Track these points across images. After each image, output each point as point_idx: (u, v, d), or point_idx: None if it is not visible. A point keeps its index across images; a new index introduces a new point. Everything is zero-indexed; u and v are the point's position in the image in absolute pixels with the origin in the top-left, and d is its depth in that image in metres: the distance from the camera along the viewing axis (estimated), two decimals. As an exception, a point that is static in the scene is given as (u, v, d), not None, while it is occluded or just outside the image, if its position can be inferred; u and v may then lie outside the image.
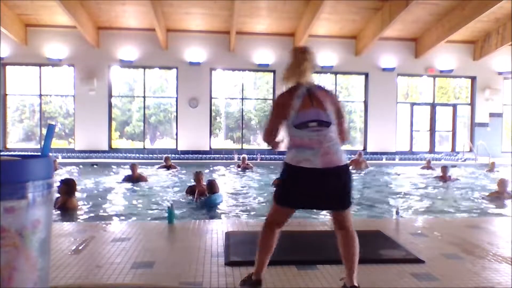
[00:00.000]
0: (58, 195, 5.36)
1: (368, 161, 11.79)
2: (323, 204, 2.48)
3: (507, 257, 3.15)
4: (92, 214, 5.43)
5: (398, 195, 7.57)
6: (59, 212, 5.23)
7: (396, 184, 9.10)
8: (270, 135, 2.50)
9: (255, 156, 13.19)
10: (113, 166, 11.21)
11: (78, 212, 5.51)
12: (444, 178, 8.87)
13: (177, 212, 4.92)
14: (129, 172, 8.45)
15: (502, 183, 6.85)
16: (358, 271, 2.43)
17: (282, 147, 2.53)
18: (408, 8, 11.11)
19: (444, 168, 9.07)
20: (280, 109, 2.42)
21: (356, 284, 2.39)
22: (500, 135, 15.28)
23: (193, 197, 6.43)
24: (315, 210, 4.52)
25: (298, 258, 3.03)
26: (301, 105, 2.36)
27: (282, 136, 2.51)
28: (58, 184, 5.32)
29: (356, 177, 9.94)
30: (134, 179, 8.14)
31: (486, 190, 7.70)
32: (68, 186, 5.32)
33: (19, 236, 0.75)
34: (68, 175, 8.71)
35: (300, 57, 2.49)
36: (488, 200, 6.79)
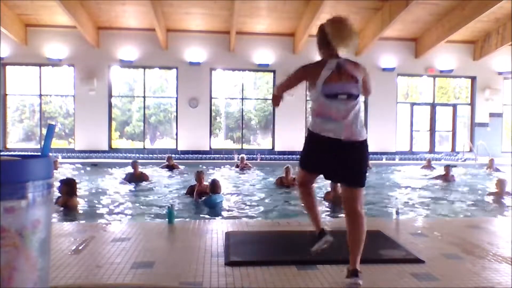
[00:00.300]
0: (59, 195, 5.38)
1: (370, 161, 11.77)
2: (337, 175, 2.58)
3: (507, 257, 3.15)
4: (92, 214, 5.43)
5: (398, 195, 7.57)
6: (61, 211, 5.24)
7: (396, 184, 9.10)
8: (285, 88, 2.69)
9: (255, 156, 13.19)
10: (113, 166, 11.20)
11: (80, 212, 5.52)
12: (447, 177, 8.84)
13: (177, 212, 4.93)
14: (130, 170, 8.43)
15: (500, 183, 6.84)
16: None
17: (280, 104, 2.82)
18: (408, 8, 11.11)
19: (448, 168, 9.03)
20: (307, 73, 2.55)
21: (358, 268, 2.46)
22: (500, 135, 15.28)
23: (193, 197, 6.44)
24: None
25: (298, 258, 3.03)
26: (329, 77, 2.44)
27: (286, 96, 2.76)
28: (59, 184, 5.33)
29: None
30: (136, 176, 8.10)
31: (486, 190, 7.70)
32: (68, 186, 5.32)
33: (19, 236, 0.75)
34: (69, 175, 8.71)
35: (342, 29, 2.50)
36: (487, 201, 6.79)
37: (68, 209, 5.30)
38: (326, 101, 2.43)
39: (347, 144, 2.41)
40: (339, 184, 5.89)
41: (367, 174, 2.59)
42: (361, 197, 2.53)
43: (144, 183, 8.05)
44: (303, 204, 2.78)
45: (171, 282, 2.58)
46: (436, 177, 9.22)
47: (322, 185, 7.29)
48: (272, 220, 4.58)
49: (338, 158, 2.45)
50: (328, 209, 5.92)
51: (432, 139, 15.54)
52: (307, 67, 2.56)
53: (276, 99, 2.78)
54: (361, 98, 2.61)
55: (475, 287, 2.57)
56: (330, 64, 2.47)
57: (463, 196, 7.37)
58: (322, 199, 6.19)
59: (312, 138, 2.52)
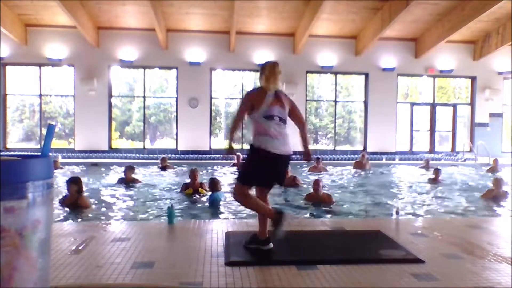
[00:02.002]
0: (64, 194, 5.53)
1: (369, 163, 11.74)
2: (272, 182, 3.26)
3: (507, 257, 3.15)
4: (92, 214, 5.43)
5: (398, 195, 7.57)
6: (69, 210, 5.33)
7: (396, 184, 9.09)
8: (239, 121, 3.26)
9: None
10: (113, 166, 11.20)
11: (92, 208, 5.64)
12: (436, 180, 8.73)
13: (177, 212, 4.93)
14: (122, 175, 8.38)
15: (497, 182, 6.83)
16: (358, 271, 2.54)
17: (234, 152, 3.67)
18: (408, 8, 11.11)
19: (437, 171, 8.94)
20: (253, 100, 3.18)
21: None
22: (500, 135, 15.29)
23: (189, 195, 6.51)
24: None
25: (298, 258, 3.03)
26: (271, 102, 3.16)
27: (238, 135, 3.19)
28: (66, 185, 5.46)
29: (358, 178, 9.94)
30: (127, 181, 8.10)
31: (484, 190, 7.68)
32: (77, 184, 5.43)
33: (19, 236, 0.75)
34: (68, 175, 8.70)
35: (276, 71, 3.29)
36: (484, 200, 6.78)
37: (79, 207, 5.40)
38: (266, 121, 3.10)
39: (283, 158, 3.15)
40: (320, 186, 6.15)
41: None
42: None
43: (142, 184, 8.03)
44: (253, 209, 3.22)
45: (171, 282, 2.58)
46: (428, 180, 9.07)
47: (304, 188, 7.36)
48: (272, 220, 4.57)
49: (277, 169, 3.19)
50: (310, 207, 6.02)
51: (432, 139, 15.54)
52: (251, 93, 3.32)
53: (230, 150, 3.38)
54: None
55: (475, 287, 2.57)
56: (270, 92, 3.19)
57: (462, 196, 7.37)
58: (304, 198, 6.38)
59: (259, 154, 3.07)
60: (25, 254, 0.76)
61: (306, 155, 3.43)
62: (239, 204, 3.33)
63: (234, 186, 3.25)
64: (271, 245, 3.18)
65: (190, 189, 6.66)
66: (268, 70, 3.30)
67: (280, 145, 3.09)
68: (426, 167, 11.28)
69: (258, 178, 3.15)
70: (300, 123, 3.38)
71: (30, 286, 0.77)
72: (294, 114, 3.32)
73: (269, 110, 3.11)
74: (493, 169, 11.17)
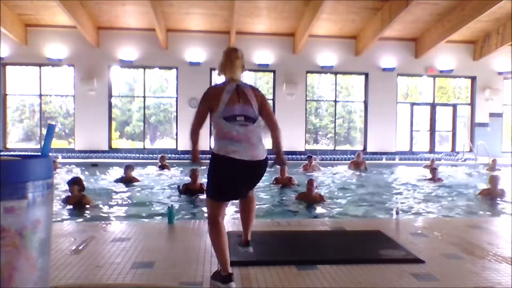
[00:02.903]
0: (67, 195, 5.57)
1: (368, 161, 11.73)
2: (243, 192, 2.69)
3: (507, 257, 3.15)
4: (92, 214, 5.43)
5: (398, 195, 7.56)
6: (74, 209, 5.39)
7: (396, 184, 9.09)
8: (198, 125, 2.63)
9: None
10: (113, 166, 11.20)
11: (95, 206, 5.69)
12: (433, 179, 8.75)
13: (177, 212, 4.93)
14: (123, 174, 8.40)
15: (493, 180, 6.84)
16: (358, 271, 2.54)
17: (197, 153, 2.68)
18: (408, 8, 11.11)
19: (434, 170, 8.97)
20: (210, 100, 2.58)
21: (249, 239, 2.84)
22: (500, 135, 15.28)
23: (186, 194, 6.51)
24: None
25: (298, 258, 3.03)
26: (229, 99, 2.53)
27: (200, 138, 2.65)
28: (68, 187, 5.51)
29: (358, 178, 9.94)
30: (127, 180, 8.11)
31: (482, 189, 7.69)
32: (78, 185, 5.47)
33: (19, 236, 0.75)
34: (68, 175, 8.71)
35: (232, 56, 2.72)
36: (480, 199, 6.78)
37: (83, 206, 5.45)
38: (226, 123, 2.50)
39: (251, 164, 2.50)
40: (314, 186, 6.12)
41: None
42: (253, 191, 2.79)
43: (143, 184, 8.05)
44: (214, 245, 2.52)
45: (171, 282, 2.58)
46: (426, 180, 9.10)
47: (299, 188, 7.37)
48: (272, 220, 4.58)
49: (245, 177, 2.55)
50: (302, 208, 6.02)
51: (432, 139, 15.53)
52: (208, 93, 2.64)
53: (194, 154, 2.69)
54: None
55: (475, 287, 2.57)
56: (229, 87, 2.58)
57: (461, 196, 7.36)
58: (295, 198, 6.40)
59: (219, 162, 2.50)
60: (25, 254, 0.76)
61: (277, 160, 2.75)
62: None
63: (206, 204, 2.65)
64: (233, 284, 2.47)
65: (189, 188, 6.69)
66: (224, 57, 2.78)
67: (247, 150, 2.48)
68: (431, 167, 11.24)
69: (228, 192, 2.55)
70: (271, 123, 2.68)
71: (30, 286, 0.77)
72: (264, 112, 2.64)
73: (228, 110, 2.51)
74: (491, 168, 11.19)
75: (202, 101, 2.63)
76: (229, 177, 2.51)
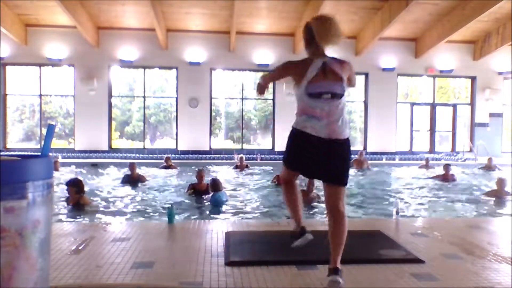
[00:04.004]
0: (67, 196, 5.58)
1: (368, 161, 11.76)
2: (318, 173, 2.56)
3: (507, 257, 3.15)
4: (92, 214, 5.44)
5: (398, 195, 7.56)
6: (74, 209, 5.40)
7: (396, 184, 9.09)
8: (271, 79, 2.81)
9: (254, 156, 13.19)
10: (113, 166, 11.20)
11: (94, 205, 5.74)
12: (446, 176, 8.82)
13: (177, 212, 4.93)
14: (128, 172, 8.43)
15: (500, 182, 6.87)
16: (358, 271, 2.51)
17: (265, 94, 2.81)
18: (408, 8, 11.11)
19: (447, 167, 9.01)
20: (292, 71, 2.56)
21: (339, 266, 2.45)
22: (500, 135, 15.29)
23: (194, 195, 6.50)
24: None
25: (298, 258, 3.03)
26: (315, 76, 2.44)
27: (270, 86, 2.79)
28: (66, 188, 5.53)
29: (357, 177, 9.93)
30: (134, 178, 8.12)
31: (485, 190, 7.70)
32: (76, 187, 5.48)
33: (19, 236, 0.75)
34: (67, 175, 8.71)
35: (325, 27, 2.50)
36: (486, 200, 6.79)
37: (82, 206, 5.46)
38: (310, 100, 2.44)
39: (328, 142, 2.40)
40: (314, 186, 6.08)
41: (349, 172, 2.58)
42: (343, 196, 2.52)
43: (143, 184, 8.06)
44: (285, 201, 2.76)
45: (171, 282, 2.58)
46: (436, 177, 9.20)
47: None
48: (272, 220, 4.58)
49: (319, 155, 2.44)
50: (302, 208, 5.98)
51: (432, 139, 15.54)
52: (294, 64, 2.56)
53: (262, 88, 2.75)
54: (346, 98, 2.59)
55: (475, 287, 2.57)
56: (316, 63, 2.47)
57: (462, 196, 7.37)
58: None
59: (294, 135, 2.52)
60: (25, 254, 0.76)
61: None
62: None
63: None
64: (310, 235, 2.69)
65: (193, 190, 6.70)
66: (315, 27, 2.50)
67: (326, 127, 2.39)
68: (426, 166, 11.30)
69: (293, 162, 2.58)
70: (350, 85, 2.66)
71: (30, 286, 0.77)
72: (347, 84, 2.59)
73: (313, 87, 2.43)
74: (488, 167, 11.22)
75: (284, 64, 2.61)
76: (298, 149, 2.49)
